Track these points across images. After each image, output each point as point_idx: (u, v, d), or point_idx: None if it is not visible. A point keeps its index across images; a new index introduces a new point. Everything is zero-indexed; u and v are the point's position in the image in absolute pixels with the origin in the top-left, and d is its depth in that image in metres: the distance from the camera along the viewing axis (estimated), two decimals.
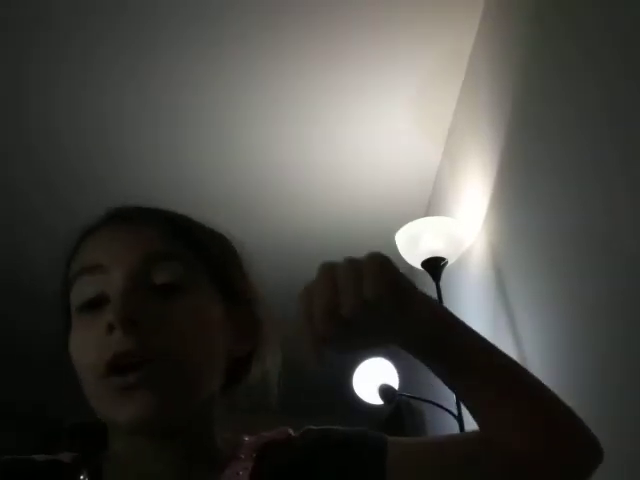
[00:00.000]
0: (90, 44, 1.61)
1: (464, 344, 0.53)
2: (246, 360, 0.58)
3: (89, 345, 0.49)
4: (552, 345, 1.14)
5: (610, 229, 0.93)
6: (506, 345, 1.39)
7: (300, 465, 0.54)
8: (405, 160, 2.08)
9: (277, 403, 0.60)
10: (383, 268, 0.46)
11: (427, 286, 1.87)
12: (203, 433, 0.54)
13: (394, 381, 1.80)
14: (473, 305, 1.70)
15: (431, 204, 2.25)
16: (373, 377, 1.80)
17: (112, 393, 0.48)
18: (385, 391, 1.68)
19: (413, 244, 1.60)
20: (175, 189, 2.03)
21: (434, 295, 1.58)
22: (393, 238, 1.65)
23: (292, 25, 1.58)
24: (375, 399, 1.78)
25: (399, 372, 1.90)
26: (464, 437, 0.57)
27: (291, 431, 0.59)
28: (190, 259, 0.54)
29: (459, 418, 1.39)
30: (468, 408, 0.55)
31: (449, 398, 1.46)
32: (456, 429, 1.40)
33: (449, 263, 1.60)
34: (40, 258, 2.44)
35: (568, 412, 0.52)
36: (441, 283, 1.58)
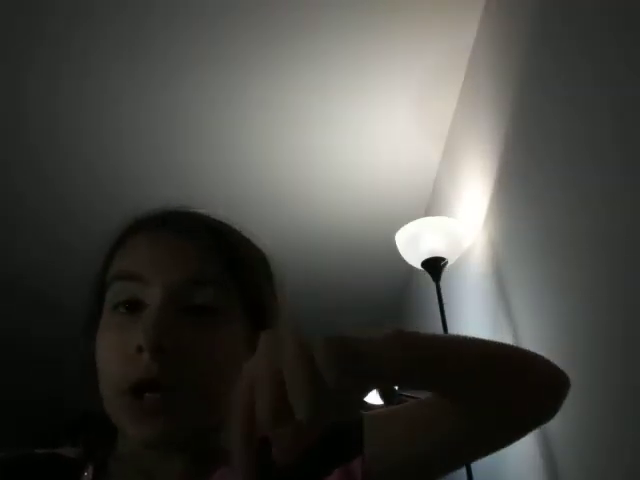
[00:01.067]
0: (89, 45, 1.61)
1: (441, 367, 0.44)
2: None
3: (116, 357, 0.49)
4: (552, 345, 1.14)
5: (610, 229, 0.92)
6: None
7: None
8: (405, 160, 2.08)
9: None
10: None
11: (427, 286, 1.87)
12: (213, 443, 0.55)
13: None
14: (473, 305, 1.70)
15: (431, 204, 2.25)
16: None
17: (128, 411, 0.49)
18: (385, 391, 1.67)
19: (413, 244, 1.59)
20: (174, 189, 2.03)
21: (434, 295, 1.58)
22: (393, 238, 1.65)
23: (292, 25, 1.58)
24: (375, 399, 1.77)
25: None
26: (431, 402, 0.55)
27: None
28: (229, 283, 0.54)
29: None
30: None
31: None
32: None
33: (449, 263, 1.60)
34: (40, 260, 2.45)
35: (536, 366, 0.54)
36: (441, 283, 1.58)
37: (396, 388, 1.77)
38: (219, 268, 0.54)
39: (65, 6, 1.50)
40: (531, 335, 1.26)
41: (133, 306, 0.51)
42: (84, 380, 0.53)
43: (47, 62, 1.66)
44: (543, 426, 1.21)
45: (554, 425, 1.17)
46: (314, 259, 2.60)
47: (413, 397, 1.98)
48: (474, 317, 1.69)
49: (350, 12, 1.55)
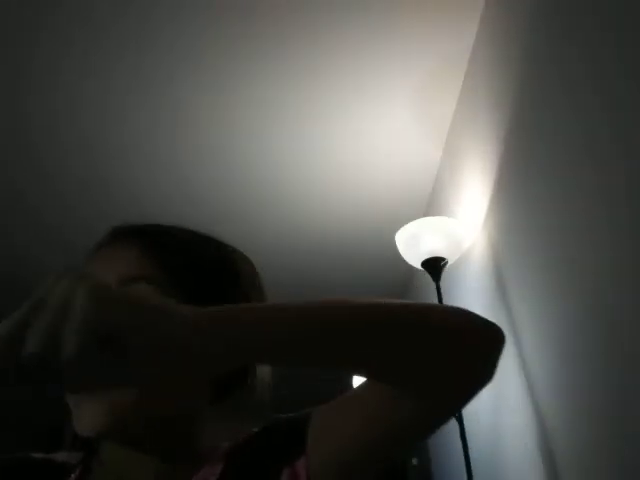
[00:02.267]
0: (92, 42, 1.61)
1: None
2: (234, 376, 0.57)
3: None
4: (552, 345, 1.14)
5: (609, 228, 0.93)
6: (506, 345, 1.39)
7: (255, 460, 0.55)
8: (405, 160, 2.08)
9: (273, 407, 0.60)
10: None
11: (427, 286, 1.87)
12: (181, 444, 0.55)
13: None
14: (473, 305, 1.70)
15: (431, 204, 2.25)
16: None
17: (72, 406, 0.50)
18: None
19: (413, 244, 1.60)
20: (175, 187, 2.03)
21: (434, 295, 1.59)
22: (393, 238, 1.65)
23: (292, 25, 1.58)
24: None
25: None
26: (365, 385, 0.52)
27: (255, 429, 0.59)
28: (166, 283, 0.53)
29: (459, 418, 1.39)
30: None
31: None
32: (456, 429, 1.40)
33: (449, 263, 1.60)
34: (39, 257, 2.45)
35: (456, 320, 0.44)
36: (441, 283, 1.58)
37: None
38: (153, 268, 0.54)
39: (69, 2, 1.50)
40: (531, 335, 1.26)
41: None
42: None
43: (48, 59, 1.66)
44: (543, 425, 1.21)
45: (554, 424, 1.17)
46: (314, 259, 2.60)
47: None
48: None
49: (350, 12, 1.55)
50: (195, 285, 0.55)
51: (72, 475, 0.55)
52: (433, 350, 0.43)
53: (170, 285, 0.54)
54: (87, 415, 0.49)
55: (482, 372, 0.47)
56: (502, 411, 1.45)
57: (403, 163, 2.10)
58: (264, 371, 0.60)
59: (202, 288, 0.55)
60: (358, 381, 1.89)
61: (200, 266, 0.57)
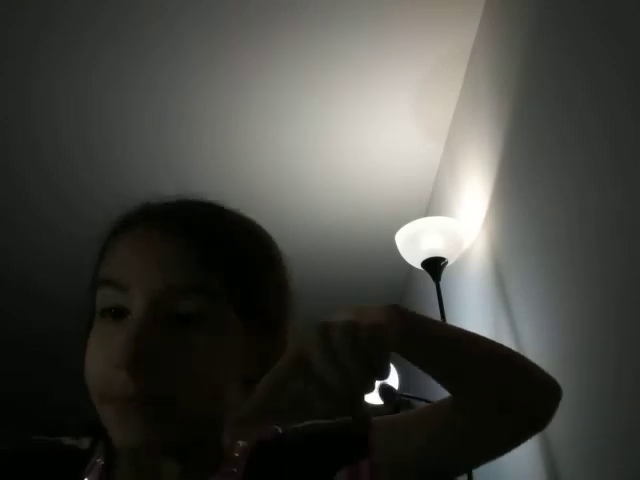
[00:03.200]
0: (96, 39, 1.61)
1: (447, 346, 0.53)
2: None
3: (96, 371, 0.48)
4: (553, 345, 1.14)
5: (608, 229, 0.93)
6: (506, 344, 1.39)
7: (290, 463, 0.55)
8: (405, 160, 2.08)
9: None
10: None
11: (427, 286, 1.87)
12: (207, 448, 0.54)
13: (394, 381, 1.80)
14: (473, 305, 1.70)
15: (431, 204, 2.25)
16: None
17: (109, 418, 0.47)
18: (385, 391, 1.68)
19: (413, 244, 1.59)
20: (177, 182, 2.02)
21: (434, 295, 1.58)
22: (393, 238, 1.65)
23: (291, 24, 1.58)
24: (375, 399, 1.78)
25: (399, 372, 1.90)
26: (439, 403, 0.59)
27: (279, 429, 0.59)
28: (221, 290, 0.50)
29: None
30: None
31: None
32: None
33: (449, 263, 1.60)
34: (39, 253, 2.45)
35: (533, 370, 0.57)
36: (441, 283, 1.58)
37: (396, 388, 1.77)
38: (210, 273, 0.49)
39: (69, 10, 1.50)
40: (531, 335, 1.26)
41: (119, 313, 0.49)
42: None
43: (51, 56, 1.66)
44: None
45: (554, 424, 1.17)
46: (314, 259, 2.60)
47: (413, 397, 1.99)
48: (474, 317, 1.69)
49: (350, 12, 1.55)
50: (245, 297, 0.52)
51: (97, 460, 0.54)
52: (524, 391, 0.56)
53: (224, 292, 0.50)
54: (132, 429, 0.46)
55: (542, 420, 0.63)
56: None
57: (403, 163, 2.10)
58: None
59: (246, 291, 0.52)
60: None
61: (248, 267, 0.54)
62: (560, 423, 1.11)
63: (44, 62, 1.66)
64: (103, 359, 0.47)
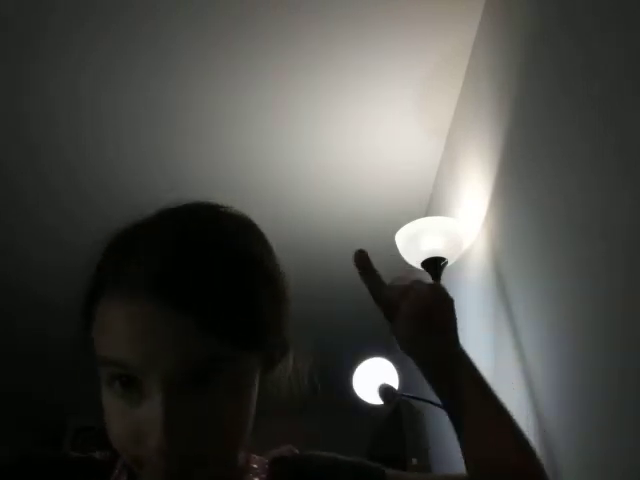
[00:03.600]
0: (90, 40, 1.61)
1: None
2: None
3: (125, 437, 0.46)
4: (553, 345, 1.14)
5: (610, 228, 0.92)
6: (506, 345, 1.39)
7: None
8: (405, 160, 2.08)
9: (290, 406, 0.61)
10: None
11: None
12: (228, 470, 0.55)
13: (394, 381, 1.81)
14: (473, 305, 1.70)
15: (431, 204, 2.25)
16: (373, 377, 1.80)
17: (139, 468, 0.47)
18: (385, 391, 1.68)
19: (413, 244, 1.59)
20: (174, 188, 2.02)
21: None
22: (393, 238, 1.64)
23: (289, 22, 1.58)
24: (375, 399, 1.78)
25: (399, 372, 1.90)
26: (454, 476, 0.64)
27: (295, 449, 0.62)
28: (239, 351, 0.48)
29: None
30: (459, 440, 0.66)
31: None
32: None
33: (449, 263, 1.60)
34: (33, 257, 2.45)
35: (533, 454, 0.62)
36: (441, 283, 1.58)
37: (396, 388, 1.77)
38: (213, 341, 0.46)
39: (63, 6, 1.50)
40: (531, 335, 1.26)
41: (130, 381, 0.46)
42: (85, 374, 0.50)
43: (45, 58, 1.66)
44: (542, 425, 1.21)
45: (554, 424, 1.17)
46: (314, 259, 2.60)
47: (414, 397, 1.98)
48: (474, 317, 1.69)
49: (350, 11, 1.55)
50: (257, 345, 0.51)
51: (116, 475, 0.54)
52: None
53: (244, 351, 0.49)
54: None
55: None
56: None
57: (403, 163, 2.10)
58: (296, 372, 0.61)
59: (263, 345, 0.52)
60: (358, 381, 1.89)
61: (273, 319, 0.53)
62: (560, 424, 1.11)
63: (36, 62, 1.66)
64: (128, 431, 0.46)
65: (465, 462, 0.61)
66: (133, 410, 0.45)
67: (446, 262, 1.58)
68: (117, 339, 0.45)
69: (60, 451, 0.56)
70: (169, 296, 0.45)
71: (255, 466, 0.57)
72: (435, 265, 1.57)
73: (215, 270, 0.47)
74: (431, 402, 1.61)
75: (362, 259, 0.74)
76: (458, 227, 1.61)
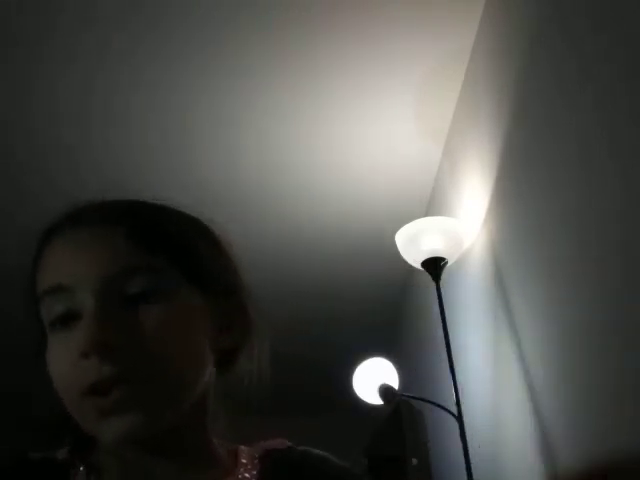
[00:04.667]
0: (98, 43, 1.61)
1: None
2: (234, 350, 0.57)
3: (65, 369, 0.48)
4: (553, 345, 1.14)
5: (608, 228, 0.93)
6: (506, 345, 1.39)
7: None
8: (405, 160, 2.08)
9: (269, 399, 0.60)
10: None
11: (427, 286, 1.87)
12: (197, 441, 0.54)
13: (394, 381, 1.81)
14: (473, 305, 1.70)
15: (431, 204, 2.25)
16: (373, 377, 1.80)
17: (93, 414, 0.47)
18: (385, 391, 1.68)
19: (413, 244, 1.59)
20: (180, 188, 2.03)
21: (434, 295, 1.58)
22: (393, 238, 1.65)
23: (292, 27, 1.58)
24: (375, 399, 1.78)
25: (399, 372, 1.90)
26: None
27: (287, 442, 0.61)
28: (161, 263, 0.51)
29: (459, 418, 1.39)
30: None
31: (449, 398, 1.46)
32: (456, 429, 1.40)
33: (449, 263, 1.60)
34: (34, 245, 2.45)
35: None
36: (441, 283, 1.58)
37: (396, 388, 1.77)
38: (145, 252, 0.50)
39: (73, 8, 1.50)
40: (531, 335, 1.26)
41: (69, 319, 0.48)
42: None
43: (53, 60, 1.66)
44: (543, 425, 1.22)
45: (554, 424, 1.17)
46: (314, 259, 2.60)
47: (414, 397, 1.99)
48: (474, 317, 1.69)
49: (350, 14, 1.55)
50: (190, 262, 0.53)
51: (75, 472, 0.52)
52: None
53: (169, 265, 0.51)
54: (120, 423, 0.46)
55: None
56: (502, 411, 1.45)
57: (403, 163, 2.10)
58: (261, 350, 0.59)
59: (195, 264, 0.54)
60: (358, 381, 1.89)
61: (181, 236, 0.55)
62: (560, 423, 1.11)
63: (46, 63, 1.66)
64: (67, 359, 0.47)
65: None
66: (74, 344, 0.47)
67: (446, 262, 1.58)
68: (51, 270, 0.51)
69: (20, 450, 0.54)
70: (92, 221, 0.52)
71: (244, 461, 0.56)
72: (435, 265, 1.57)
73: (141, 206, 0.56)
74: (431, 402, 1.62)
75: None
76: (458, 227, 1.61)
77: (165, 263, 0.51)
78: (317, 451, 0.61)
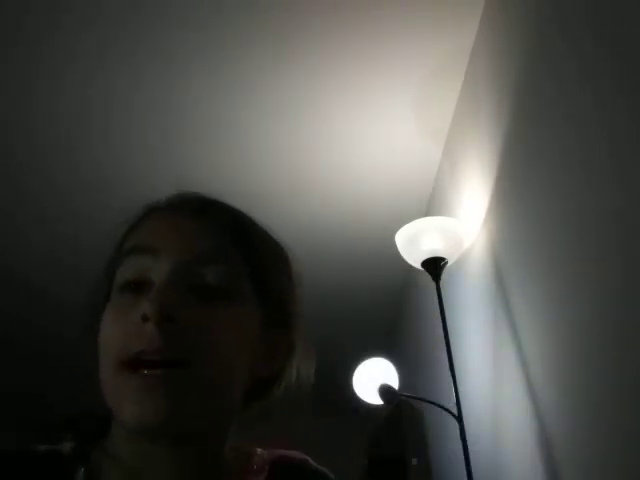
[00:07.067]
0: (98, 44, 1.61)
1: None
2: (268, 380, 0.57)
3: (120, 328, 0.47)
4: (553, 345, 1.14)
5: (607, 228, 0.93)
6: (506, 345, 1.39)
7: None
8: (405, 160, 2.08)
9: (302, 411, 0.60)
10: None
11: (427, 286, 1.87)
12: (216, 446, 0.53)
13: (394, 381, 1.80)
14: (473, 305, 1.70)
15: (431, 204, 2.25)
16: (373, 377, 1.80)
17: (126, 389, 0.45)
18: (385, 391, 1.68)
19: (413, 244, 1.59)
20: (179, 189, 2.03)
21: (434, 295, 1.58)
22: (393, 238, 1.65)
23: (292, 26, 1.58)
24: (375, 399, 1.78)
25: (399, 372, 1.90)
26: None
27: (310, 460, 0.60)
28: (242, 267, 0.52)
29: (459, 418, 1.39)
30: None
31: (449, 398, 1.46)
32: (456, 429, 1.40)
33: (449, 263, 1.60)
34: (37, 247, 2.45)
35: None
36: (441, 283, 1.58)
37: (396, 388, 1.77)
38: (232, 251, 0.52)
39: (73, 8, 1.50)
40: (531, 335, 1.26)
41: (140, 286, 0.49)
42: (86, 371, 0.49)
43: (54, 61, 1.66)
44: (543, 425, 1.22)
45: (554, 424, 1.17)
46: (314, 259, 2.60)
47: (414, 397, 1.98)
48: (474, 317, 1.69)
49: (350, 14, 1.55)
50: (265, 277, 0.55)
51: (78, 473, 0.49)
52: None
53: (247, 272, 0.53)
54: (149, 404, 0.44)
55: None
56: (502, 411, 1.45)
57: (403, 163, 2.10)
58: (304, 377, 0.59)
59: (264, 274, 0.55)
60: (358, 381, 1.89)
61: (266, 253, 0.57)
62: (560, 423, 1.11)
63: (46, 63, 1.66)
64: (125, 320, 0.47)
65: None
66: (137, 308, 0.47)
67: (446, 262, 1.58)
68: (143, 233, 0.53)
69: (25, 445, 0.52)
70: (192, 209, 0.55)
71: (255, 467, 0.55)
72: (435, 265, 1.57)
73: (238, 212, 0.59)
74: (431, 402, 1.62)
75: None
76: (458, 227, 1.61)
77: (245, 272, 0.53)
78: (331, 476, 0.59)
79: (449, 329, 1.53)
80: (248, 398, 0.54)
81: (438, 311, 1.56)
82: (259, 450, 0.58)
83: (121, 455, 0.50)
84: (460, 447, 1.37)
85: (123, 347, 0.46)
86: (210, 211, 0.56)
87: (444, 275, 1.59)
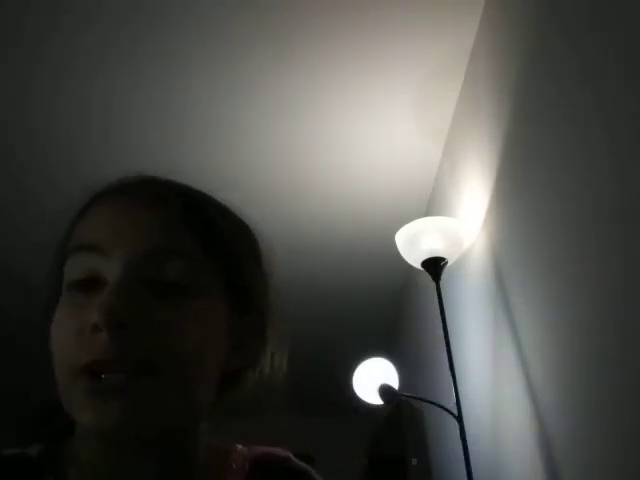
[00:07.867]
0: (99, 43, 1.61)
1: None
2: (241, 371, 0.53)
3: (69, 338, 0.43)
4: (553, 345, 1.14)
5: (607, 228, 0.93)
6: (506, 345, 1.39)
7: None
8: (405, 160, 2.08)
9: (280, 404, 0.56)
10: None
11: (427, 286, 1.87)
12: (186, 447, 0.49)
13: (394, 381, 1.80)
14: (473, 305, 1.70)
15: (431, 204, 2.25)
16: (373, 377, 1.80)
17: (83, 394, 0.42)
18: (385, 391, 1.68)
19: (413, 244, 1.59)
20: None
21: (434, 295, 1.58)
22: (393, 238, 1.65)
23: (292, 26, 1.58)
24: (375, 399, 1.78)
25: (399, 372, 1.90)
26: None
27: (293, 457, 0.57)
28: (201, 257, 0.48)
29: (459, 418, 1.39)
30: None
31: (449, 398, 1.46)
32: (456, 429, 1.40)
33: (449, 263, 1.60)
34: (37, 247, 2.45)
35: None
36: (441, 283, 1.58)
37: (396, 388, 1.77)
38: (190, 240, 0.47)
39: (73, 8, 1.50)
40: (531, 335, 1.26)
41: (91, 284, 0.45)
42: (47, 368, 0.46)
43: (54, 61, 1.66)
44: (543, 425, 1.22)
45: (554, 424, 1.17)
46: (314, 259, 2.60)
47: (413, 397, 1.98)
48: (474, 317, 1.69)
49: (350, 14, 1.55)
50: (230, 264, 0.50)
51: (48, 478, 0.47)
52: None
53: (209, 262, 0.48)
54: (108, 409, 0.41)
55: None
56: (502, 411, 1.45)
57: (403, 163, 2.10)
58: (278, 366, 0.56)
59: (229, 261, 0.50)
60: (358, 381, 1.89)
61: (229, 237, 0.52)
62: (560, 423, 1.11)
63: (46, 63, 1.66)
64: (76, 327, 0.43)
65: None
66: (88, 306, 0.43)
67: (446, 262, 1.58)
68: (90, 228, 0.48)
69: None
70: (143, 194, 0.49)
71: (234, 465, 0.52)
72: (435, 265, 1.57)
73: (194, 192, 0.54)
74: (431, 402, 1.62)
75: None
76: (458, 227, 1.61)
77: (208, 260, 0.48)
78: (314, 475, 0.56)
79: (449, 329, 1.53)
80: (222, 390, 0.51)
81: (438, 311, 1.56)
82: (239, 447, 0.55)
83: (88, 455, 0.48)
84: (460, 447, 1.36)
85: (76, 358, 0.43)
86: (162, 196, 0.49)
87: (444, 275, 1.59)
